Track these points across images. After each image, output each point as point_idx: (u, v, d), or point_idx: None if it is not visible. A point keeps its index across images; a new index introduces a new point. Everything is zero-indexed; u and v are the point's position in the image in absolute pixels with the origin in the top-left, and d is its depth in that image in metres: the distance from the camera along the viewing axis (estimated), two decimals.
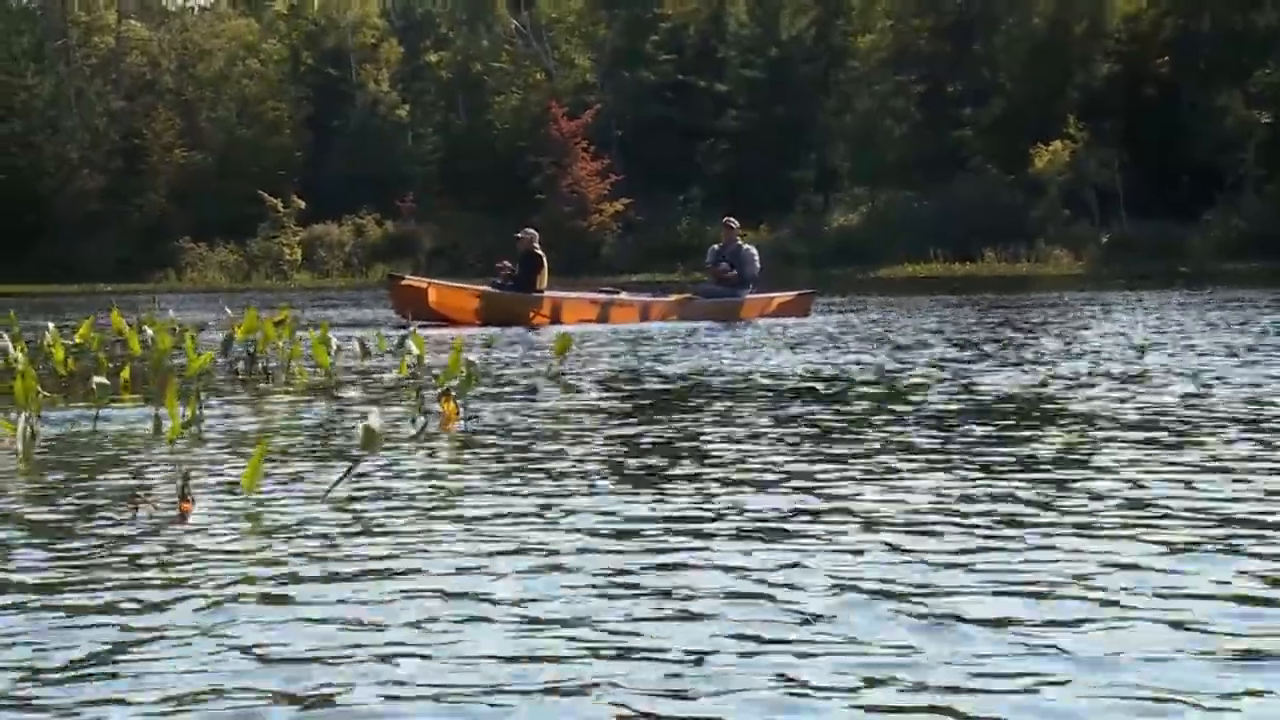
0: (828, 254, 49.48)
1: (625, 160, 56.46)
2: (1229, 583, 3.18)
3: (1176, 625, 2.84)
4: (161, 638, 2.87)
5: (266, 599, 3.17)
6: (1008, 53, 52.48)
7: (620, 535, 3.80)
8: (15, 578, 3.43)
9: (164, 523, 4.08)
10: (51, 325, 10.05)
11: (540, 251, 17.14)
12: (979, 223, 46.39)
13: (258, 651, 2.76)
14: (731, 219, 18.78)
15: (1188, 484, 4.43)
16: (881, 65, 55.80)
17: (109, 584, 3.34)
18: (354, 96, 61.74)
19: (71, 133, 59.90)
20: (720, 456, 5.24)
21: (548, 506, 4.25)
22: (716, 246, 18.39)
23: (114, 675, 2.63)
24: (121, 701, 2.48)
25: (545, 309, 16.73)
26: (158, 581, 3.36)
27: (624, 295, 18.06)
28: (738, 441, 5.67)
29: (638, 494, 4.45)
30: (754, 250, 18.49)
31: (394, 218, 57.29)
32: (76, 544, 3.81)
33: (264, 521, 4.08)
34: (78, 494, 4.68)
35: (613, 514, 4.11)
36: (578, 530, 3.88)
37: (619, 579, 3.31)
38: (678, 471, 4.89)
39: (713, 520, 3.99)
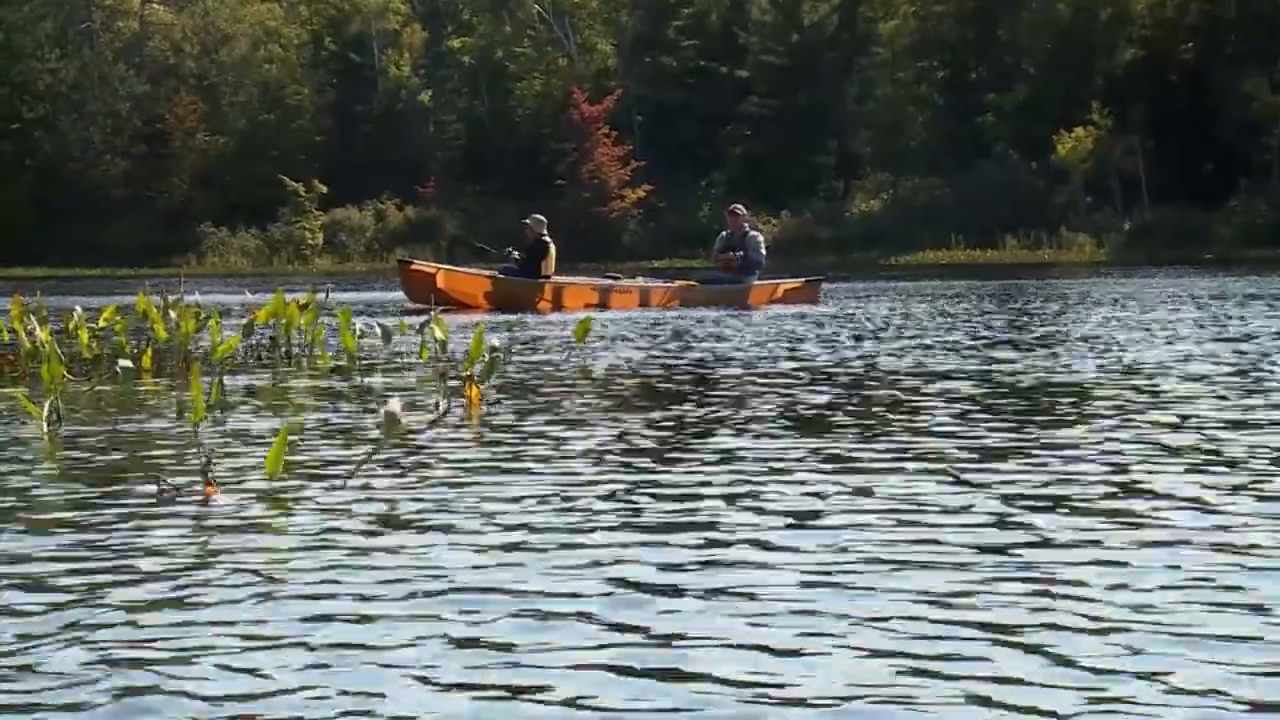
0: (850, 240, 49.48)
1: (646, 146, 56.44)
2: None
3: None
4: (185, 619, 2.88)
5: (290, 582, 3.17)
6: (1031, 38, 52.24)
7: (646, 519, 3.80)
8: (38, 561, 3.44)
9: (188, 506, 4.10)
10: (78, 308, 10.09)
11: (548, 238, 17.19)
12: (1001, 209, 46.29)
13: (281, 634, 2.76)
14: (738, 206, 18.69)
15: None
16: (905, 51, 55.62)
17: (133, 567, 3.35)
18: (376, 82, 61.79)
19: (94, 117, 60.11)
20: (744, 441, 5.23)
21: (572, 491, 4.25)
22: (725, 234, 18.32)
23: (137, 658, 2.64)
24: (145, 685, 2.49)
25: (547, 294, 16.79)
26: (181, 564, 3.37)
27: (624, 281, 18.06)
28: (760, 426, 5.66)
29: (663, 478, 4.44)
30: (760, 237, 18.42)
31: (415, 203, 57.38)
32: (100, 527, 3.82)
33: (287, 505, 4.09)
34: (101, 477, 4.70)
35: (638, 499, 4.11)
36: (602, 514, 3.87)
37: (644, 563, 3.30)
38: (703, 456, 4.88)
39: (738, 502, 3.98)
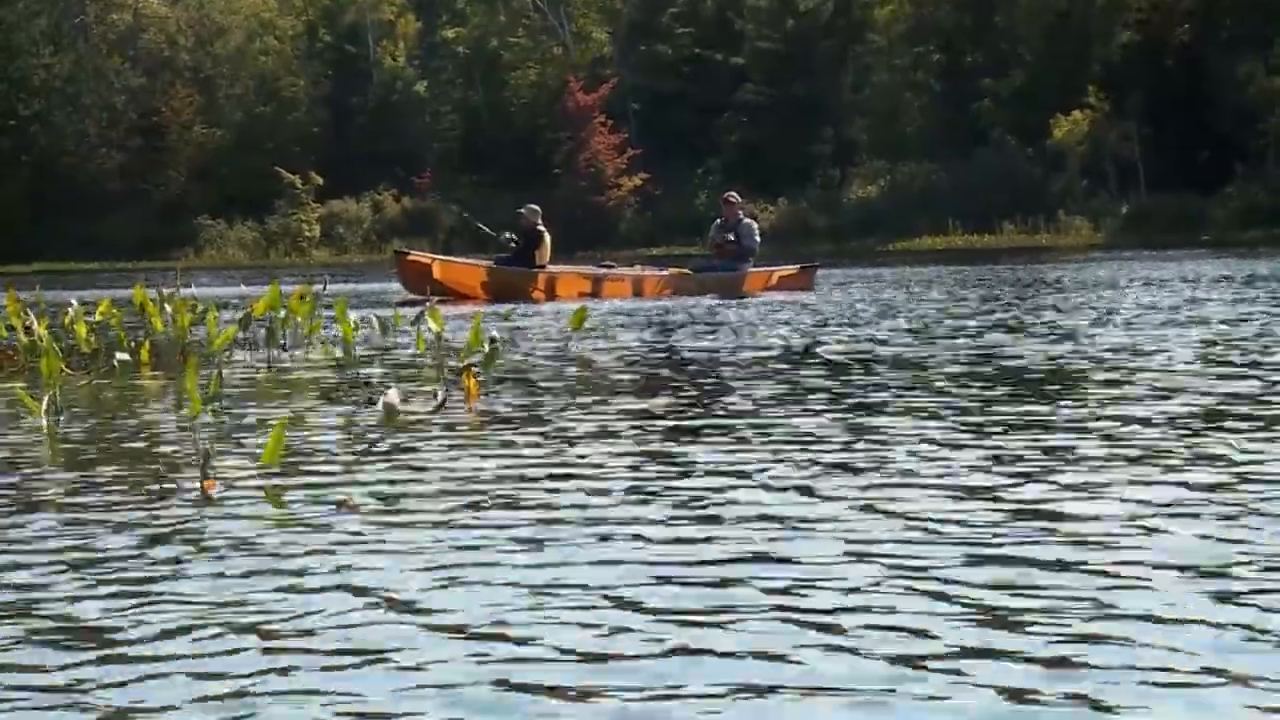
0: (847, 227, 49.45)
1: (642, 134, 56.39)
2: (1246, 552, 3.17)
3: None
4: (185, 614, 2.88)
5: (289, 574, 3.18)
6: (1028, 24, 52.17)
7: (644, 508, 3.81)
8: (38, 556, 3.45)
9: (186, 499, 4.10)
10: (75, 301, 10.09)
11: (542, 227, 17.22)
12: (999, 195, 46.29)
13: (280, 627, 2.77)
14: (732, 194, 18.65)
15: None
16: (900, 38, 55.54)
17: (132, 561, 3.36)
18: (371, 73, 61.71)
19: (89, 111, 59.99)
20: (741, 430, 5.24)
21: (570, 479, 4.26)
22: (720, 221, 18.29)
23: (136, 653, 2.65)
24: (145, 678, 2.49)
25: (541, 284, 16.84)
26: (181, 558, 3.38)
27: (618, 270, 18.05)
28: (757, 414, 5.67)
29: (661, 467, 4.45)
30: (754, 224, 18.37)
31: (412, 194, 57.32)
32: (99, 521, 3.83)
33: (285, 497, 4.10)
34: (100, 471, 4.70)
35: (636, 488, 4.12)
36: (601, 504, 3.88)
37: (642, 552, 3.31)
38: (700, 443, 4.89)
39: (738, 482, 3.99)
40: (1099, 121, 47.64)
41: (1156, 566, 3.07)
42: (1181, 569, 3.04)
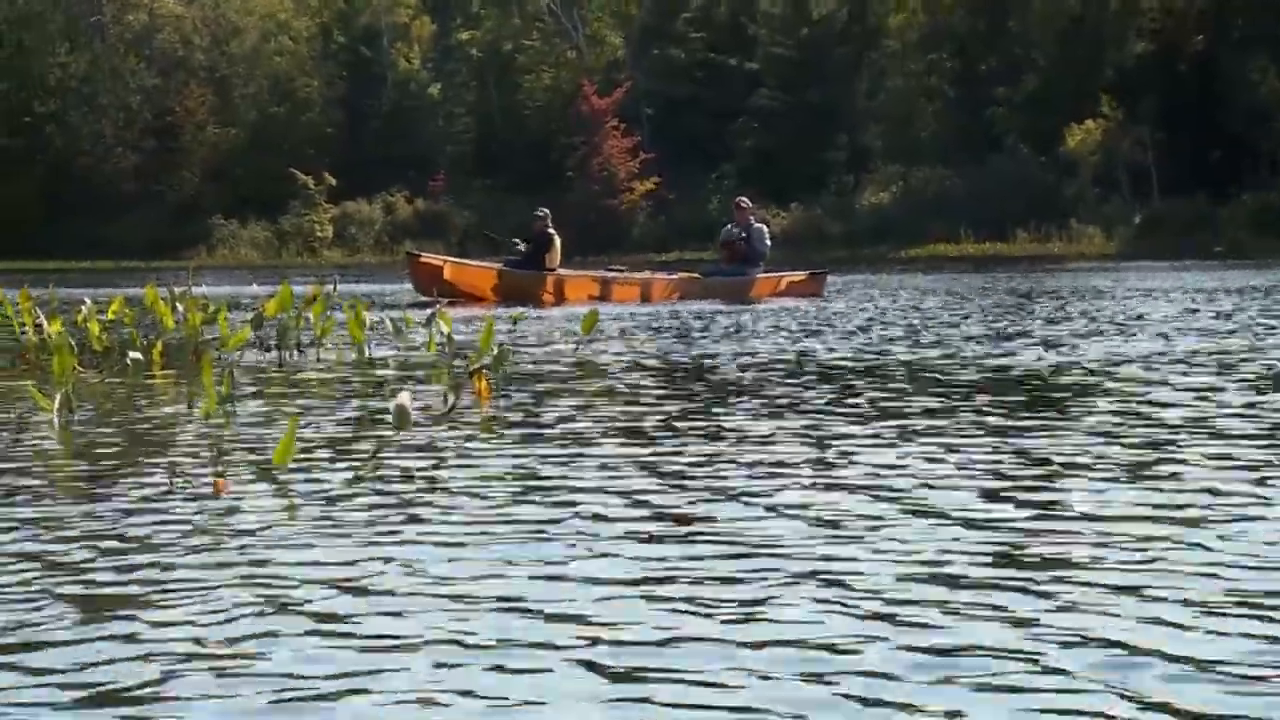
0: (860, 233, 49.44)
1: (655, 139, 56.41)
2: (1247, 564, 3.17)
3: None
4: (193, 611, 2.88)
5: (299, 575, 3.18)
6: (1041, 29, 52.17)
7: (655, 511, 3.80)
8: (50, 554, 3.45)
9: (198, 498, 4.11)
10: (88, 300, 10.11)
11: (552, 231, 17.29)
12: (1013, 203, 46.27)
13: (291, 629, 2.77)
14: (743, 199, 18.64)
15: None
16: (914, 45, 55.57)
17: (143, 560, 3.36)
18: (386, 75, 61.81)
19: (105, 111, 60.13)
20: (751, 434, 5.24)
21: (584, 483, 4.25)
22: (730, 226, 18.28)
23: (145, 653, 2.65)
24: (154, 680, 2.49)
25: (550, 287, 16.91)
26: (191, 557, 3.38)
27: (626, 274, 18.09)
28: (766, 419, 5.66)
29: (673, 469, 4.44)
30: (765, 228, 18.35)
31: (425, 196, 57.38)
32: (111, 520, 3.83)
33: (297, 498, 4.10)
34: (112, 470, 4.71)
35: (648, 490, 4.11)
36: (612, 508, 3.88)
37: (654, 556, 3.31)
38: (711, 445, 4.89)
39: (746, 496, 3.98)
40: (1112, 131, 47.61)
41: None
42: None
